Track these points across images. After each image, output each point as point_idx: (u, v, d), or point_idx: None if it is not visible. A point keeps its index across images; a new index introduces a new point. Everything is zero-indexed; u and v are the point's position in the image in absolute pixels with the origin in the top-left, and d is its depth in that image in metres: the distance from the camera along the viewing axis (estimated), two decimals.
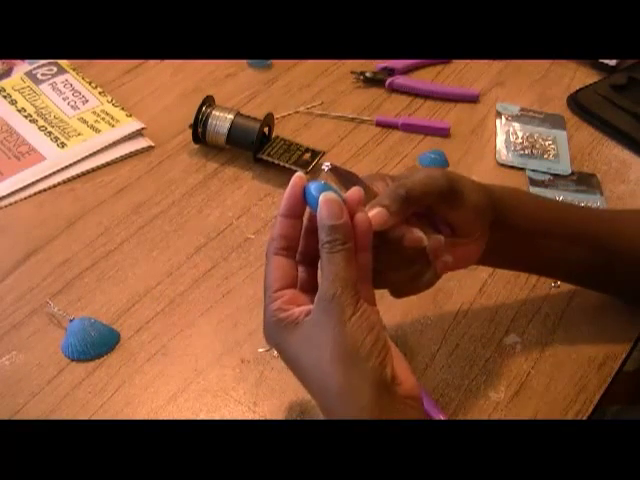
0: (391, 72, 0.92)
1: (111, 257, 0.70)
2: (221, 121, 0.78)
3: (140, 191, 0.76)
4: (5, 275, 0.67)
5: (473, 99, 0.91)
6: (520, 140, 0.86)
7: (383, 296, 0.67)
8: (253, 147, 0.78)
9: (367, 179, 0.53)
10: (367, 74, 0.91)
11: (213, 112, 0.79)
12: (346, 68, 0.93)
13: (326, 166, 0.50)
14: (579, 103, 0.90)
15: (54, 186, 0.76)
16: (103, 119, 0.83)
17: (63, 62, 0.90)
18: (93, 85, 0.87)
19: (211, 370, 0.61)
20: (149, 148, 0.81)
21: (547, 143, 0.85)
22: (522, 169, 0.82)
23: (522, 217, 0.58)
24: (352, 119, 0.87)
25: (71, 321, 0.63)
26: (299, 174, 0.48)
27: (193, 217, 0.74)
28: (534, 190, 0.79)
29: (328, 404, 0.45)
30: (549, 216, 0.60)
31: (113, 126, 0.82)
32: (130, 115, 0.83)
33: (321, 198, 0.46)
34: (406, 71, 0.93)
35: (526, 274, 0.70)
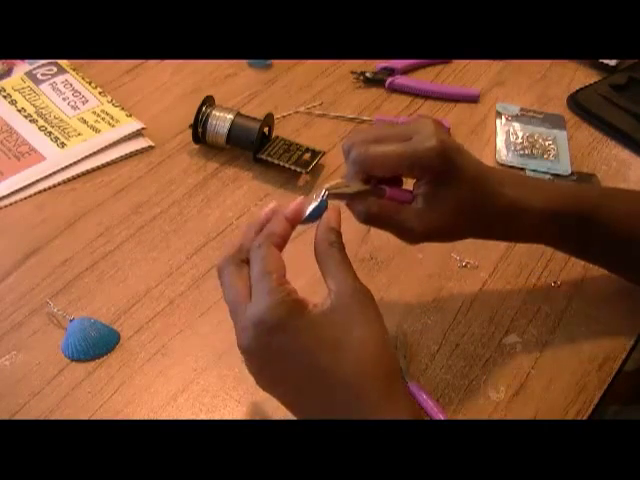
0: (391, 72, 0.92)
1: (111, 257, 0.70)
2: (221, 121, 0.78)
3: (140, 191, 0.76)
4: (5, 275, 0.67)
5: (473, 99, 0.91)
6: (520, 140, 0.86)
7: (382, 297, 0.68)
8: (253, 147, 0.78)
9: (380, 129, 0.56)
10: (367, 74, 0.91)
11: (213, 112, 0.79)
12: (346, 68, 0.93)
13: (324, 195, 0.53)
14: (579, 103, 0.90)
15: (54, 186, 0.76)
16: (103, 119, 0.83)
17: (63, 62, 0.90)
18: (93, 85, 0.87)
19: (211, 370, 0.61)
20: (149, 148, 0.81)
21: (547, 143, 0.85)
22: (522, 169, 0.82)
23: (504, 197, 0.58)
24: (352, 119, 0.87)
25: (71, 321, 0.63)
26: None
27: (193, 217, 0.74)
28: None
29: (359, 383, 0.45)
30: (530, 193, 0.59)
31: (113, 126, 0.82)
32: (130, 115, 0.83)
33: (330, 208, 0.51)
34: (406, 71, 0.93)
35: (526, 273, 0.70)
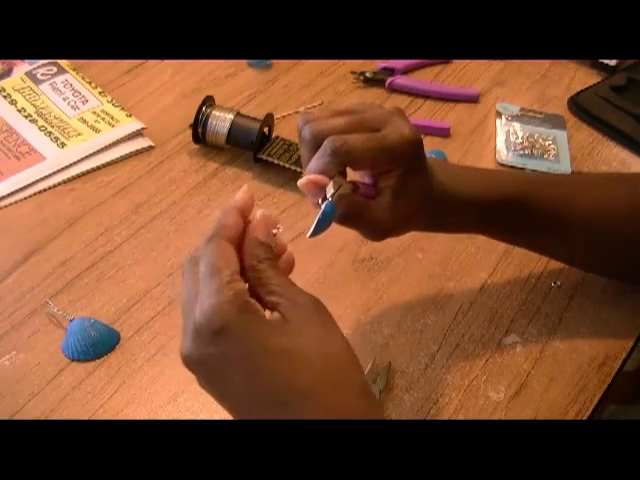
0: (391, 72, 0.92)
1: (111, 257, 0.70)
2: (221, 121, 0.78)
3: (140, 191, 0.76)
4: (5, 275, 0.67)
5: (473, 99, 0.91)
6: (520, 140, 0.86)
7: (382, 296, 0.68)
8: (253, 147, 0.78)
9: (344, 117, 0.52)
10: (367, 74, 0.91)
11: (213, 112, 0.79)
12: (346, 68, 0.93)
13: (332, 203, 0.50)
14: (580, 105, 0.90)
15: (54, 186, 0.76)
16: (103, 119, 0.83)
17: (63, 62, 0.90)
18: (93, 85, 0.87)
19: None
20: (149, 148, 0.81)
21: (547, 143, 0.85)
22: (522, 169, 0.82)
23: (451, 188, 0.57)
24: None
25: (71, 321, 0.63)
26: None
27: (193, 217, 0.74)
28: None
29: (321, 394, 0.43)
30: (455, 180, 0.58)
31: (113, 126, 0.82)
32: (130, 115, 0.83)
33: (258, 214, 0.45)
34: (406, 71, 0.93)
35: (526, 273, 0.70)
